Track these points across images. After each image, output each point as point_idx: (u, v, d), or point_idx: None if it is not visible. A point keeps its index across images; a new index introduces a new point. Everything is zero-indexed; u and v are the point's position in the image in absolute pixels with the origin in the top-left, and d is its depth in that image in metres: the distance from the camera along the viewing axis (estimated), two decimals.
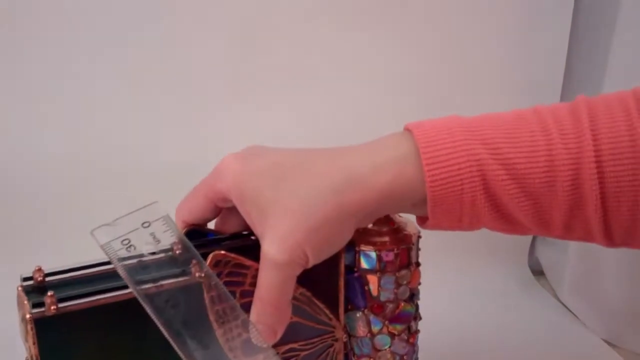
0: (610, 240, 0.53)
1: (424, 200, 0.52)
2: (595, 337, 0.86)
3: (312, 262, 0.50)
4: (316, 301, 0.55)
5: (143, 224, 0.46)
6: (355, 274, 0.57)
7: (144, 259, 0.46)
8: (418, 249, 0.59)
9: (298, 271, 0.50)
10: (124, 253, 0.44)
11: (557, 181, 0.50)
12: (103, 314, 0.47)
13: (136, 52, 0.92)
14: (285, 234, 0.49)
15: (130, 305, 0.46)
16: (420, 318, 0.60)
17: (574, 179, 0.50)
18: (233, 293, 0.51)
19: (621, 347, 0.86)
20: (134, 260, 0.45)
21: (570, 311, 0.91)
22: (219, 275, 0.50)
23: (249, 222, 0.52)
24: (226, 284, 0.50)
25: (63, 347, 0.46)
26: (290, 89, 0.94)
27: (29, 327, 0.45)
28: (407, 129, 0.53)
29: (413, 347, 0.60)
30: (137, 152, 0.94)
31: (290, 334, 0.53)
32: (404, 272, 0.57)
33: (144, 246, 0.45)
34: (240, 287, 0.51)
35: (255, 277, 0.51)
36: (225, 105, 0.94)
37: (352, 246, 0.57)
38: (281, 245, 0.49)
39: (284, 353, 0.53)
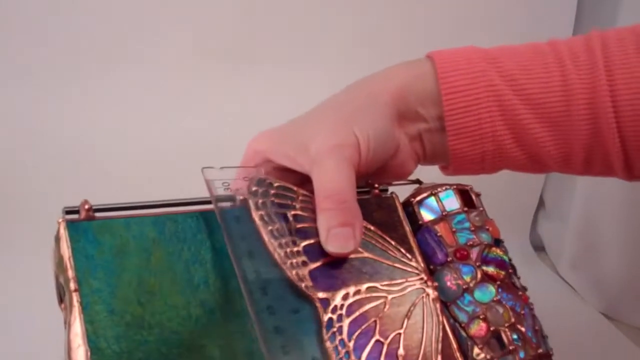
0: (630, 172, 0.53)
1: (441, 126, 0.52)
2: (594, 311, 0.88)
3: (362, 144, 0.48)
4: (386, 237, 0.49)
5: (244, 177, 0.48)
6: (423, 229, 0.51)
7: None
8: (482, 206, 0.54)
9: (353, 153, 0.48)
10: (221, 192, 0.46)
11: (572, 110, 0.51)
12: (139, 227, 0.44)
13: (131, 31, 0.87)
14: (328, 127, 0.49)
15: (169, 223, 0.45)
16: (526, 289, 0.51)
17: (589, 108, 0.51)
18: (285, 216, 0.46)
19: (619, 320, 0.88)
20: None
21: (570, 285, 0.93)
22: (264, 195, 0.47)
23: (291, 163, 0.50)
24: (274, 206, 0.47)
25: (98, 256, 0.42)
26: (291, 65, 0.89)
27: (61, 230, 0.42)
28: (428, 56, 0.54)
29: (529, 306, 0.50)
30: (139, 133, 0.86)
31: (365, 270, 0.47)
32: (474, 213, 0.52)
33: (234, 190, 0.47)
34: (292, 210, 0.47)
35: (303, 201, 0.47)
36: (224, 84, 0.88)
37: (409, 206, 0.52)
38: (327, 134, 0.48)
39: (365, 292, 0.47)
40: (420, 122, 0.53)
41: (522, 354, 0.47)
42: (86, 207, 0.43)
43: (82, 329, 0.39)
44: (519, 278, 0.51)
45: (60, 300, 0.43)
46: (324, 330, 0.43)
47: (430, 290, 0.48)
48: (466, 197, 0.53)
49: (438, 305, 0.48)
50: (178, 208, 0.46)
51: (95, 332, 0.40)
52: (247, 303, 0.42)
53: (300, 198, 0.48)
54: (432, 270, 0.50)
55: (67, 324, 0.40)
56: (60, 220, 0.42)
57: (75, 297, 0.40)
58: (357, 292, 0.46)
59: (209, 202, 0.47)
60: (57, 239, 0.42)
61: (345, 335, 0.43)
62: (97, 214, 0.44)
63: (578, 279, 0.93)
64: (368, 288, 0.46)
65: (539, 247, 1.00)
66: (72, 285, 0.41)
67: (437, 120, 0.53)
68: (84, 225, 0.43)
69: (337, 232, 0.45)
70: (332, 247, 0.45)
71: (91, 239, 0.42)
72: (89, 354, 0.39)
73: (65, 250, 0.41)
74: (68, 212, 0.43)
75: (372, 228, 0.49)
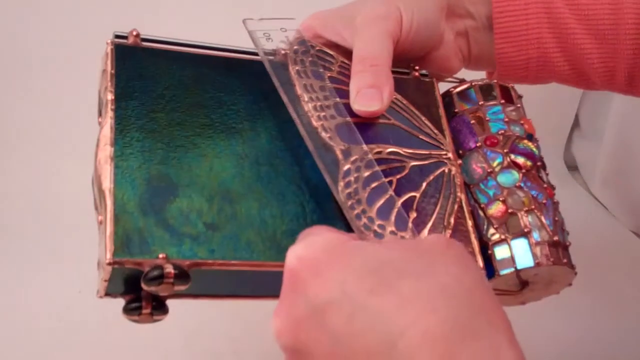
0: None
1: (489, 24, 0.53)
2: (624, 229, 0.90)
3: (405, 20, 0.49)
4: (418, 113, 0.50)
5: (281, 28, 0.50)
6: (458, 116, 0.52)
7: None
8: (522, 105, 0.54)
9: (394, 26, 0.49)
10: (263, 41, 0.49)
11: (620, 25, 0.51)
12: (181, 62, 0.46)
13: None
14: (374, 2, 0.50)
15: (210, 63, 0.47)
16: (554, 187, 0.51)
17: (637, 24, 0.51)
18: (321, 76, 0.48)
19: None
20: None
21: (602, 204, 0.93)
22: (304, 53, 0.49)
23: (339, 38, 0.51)
24: (313, 65, 0.48)
25: (138, 78, 0.45)
26: None
27: (108, 49, 0.45)
28: None
29: (553, 200, 0.49)
30: None
31: (391, 136, 0.48)
32: (510, 107, 0.52)
33: (279, 43, 0.49)
34: (328, 72, 0.49)
35: (342, 67, 0.49)
36: None
37: (448, 96, 0.53)
38: (371, 7, 0.50)
39: (387, 154, 0.47)
40: (468, 19, 0.54)
41: (536, 237, 0.47)
42: (134, 33, 0.46)
43: (111, 132, 0.42)
44: (547, 174, 0.51)
45: (100, 115, 0.45)
46: (340, 177, 0.44)
47: (453, 167, 0.49)
48: (506, 92, 0.53)
49: (458, 182, 0.48)
50: (221, 52, 0.48)
51: (123, 137, 0.42)
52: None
53: (339, 64, 0.50)
54: (461, 155, 0.51)
55: (100, 128, 0.43)
56: (109, 41, 0.45)
57: (110, 105, 0.43)
58: (379, 153, 0.47)
59: (249, 53, 0.49)
60: (105, 56, 0.45)
61: (360, 185, 0.45)
62: (144, 43, 0.46)
63: (610, 198, 0.93)
64: (391, 152, 0.47)
65: (572, 167, 1.00)
66: (110, 96, 0.43)
67: (485, 19, 0.53)
68: (130, 49, 0.46)
69: (365, 92, 0.47)
70: (358, 105, 0.47)
71: (134, 62, 0.45)
72: (112, 153, 0.41)
73: (109, 67, 0.44)
74: (117, 37, 0.46)
75: (405, 102, 0.50)
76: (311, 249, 0.36)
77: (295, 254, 0.36)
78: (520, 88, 0.55)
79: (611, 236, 0.88)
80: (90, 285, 0.41)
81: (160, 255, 0.39)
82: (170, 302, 0.42)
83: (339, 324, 0.33)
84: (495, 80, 0.53)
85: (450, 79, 0.56)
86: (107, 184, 0.40)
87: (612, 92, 0.55)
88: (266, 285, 0.43)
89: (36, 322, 0.70)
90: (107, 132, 0.42)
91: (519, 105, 0.53)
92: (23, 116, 0.85)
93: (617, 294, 0.80)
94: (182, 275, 0.39)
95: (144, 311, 0.41)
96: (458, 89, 0.53)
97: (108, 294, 0.41)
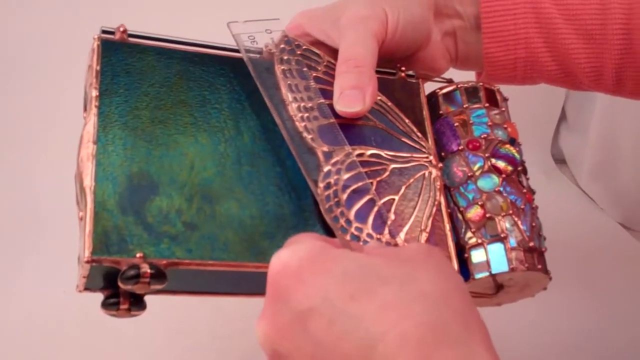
0: None
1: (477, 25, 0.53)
2: (612, 221, 0.90)
3: (391, 21, 0.50)
4: (402, 115, 0.51)
5: (266, 30, 0.50)
6: (442, 118, 0.52)
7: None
8: (507, 108, 0.54)
9: (379, 27, 0.49)
10: (248, 44, 0.49)
11: (607, 25, 0.51)
12: (168, 58, 0.47)
13: None
14: (361, 2, 0.50)
15: (196, 60, 0.47)
16: (534, 192, 0.51)
17: (624, 24, 0.51)
18: (306, 76, 0.49)
19: (636, 230, 0.90)
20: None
21: (589, 197, 0.93)
22: (291, 52, 0.49)
23: (325, 37, 0.51)
24: (298, 64, 0.49)
25: (123, 75, 0.45)
26: None
27: (95, 45, 0.45)
28: None
29: (531, 205, 0.50)
30: None
31: (373, 138, 0.48)
32: (495, 111, 0.53)
33: (263, 44, 0.50)
34: (314, 72, 0.49)
35: (327, 67, 0.50)
36: None
37: (434, 97, 0.54)
38: (357, 7, 0.50)
39: (369, 157, 0.48)
40: (456, 19, 0.54)
41: (512, 242, 0.48)
42: (121, 29, 0.46)
43: (94, 128, 0.43)
44: (527, 179, 0.52)
45: (85, 110, 0.46)
46: (320, 179, 0.45)
47: (433, 170, 0.49)
48: (491, 95, 0.53)
49: (438, 185, 0.49)
50: (208, 50, 0.49)
51: (105, 135, 0.43)
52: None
53: (325, 64, 0.50)
54: (443, 158, 0.51)
55: (84, 124, 0.44)
56: (96, 36, 0.46)
57: (94, 102, 0.43)
58: (361, 155, 0.47)
59: (235, 51, 0.49)
60: (91, 52, 0.46)
61: (339, 187, 0.45)
62: (131, 39, 0.47)
63: (597, 190, 0.94)
64: (372, 154, 0.48)
65: (559, 160, 1.00)
66: (94, 93, 0.44)
67: (473, 19, 0.54)
68: (117, 44, 0.46)
69: (348, 93, 0.47)
70: (341, 106, 0.47)
71: (120, 58, 0.46)
72: (95, 150, 0.42)
73: (95, 63, 0.45)
74: (105, 32, 0.46)
75: (389, 104, 0.51)
76: (295, 256, 0.36)
77: (279, 261, 0.37)
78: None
79: (599, 229, 0.89)
80: (74, 285, 0.42)
81: (138, 255, 0.39)
82: (153, 301, 0.43)
83: (320, 330, 0.34)
84: (482, 83, 0.53)
85: (437, 79, 0.56)
86: (88, 181, 0.41)
87: (600, 92, 0.56)
88: (243, 285, 0.44)
89: (20, 322, 0.70)
90: (90, 128, 0.43)
91: (503, 108, 0.53)
92: (8, 112, 0.84)
93: (605, 285, 0.81)
94: (158, 274, 0.39)
95: (122, 307, 0.41)
96: (444, 91, 0.54)
97: (87, 288, 0.42)
